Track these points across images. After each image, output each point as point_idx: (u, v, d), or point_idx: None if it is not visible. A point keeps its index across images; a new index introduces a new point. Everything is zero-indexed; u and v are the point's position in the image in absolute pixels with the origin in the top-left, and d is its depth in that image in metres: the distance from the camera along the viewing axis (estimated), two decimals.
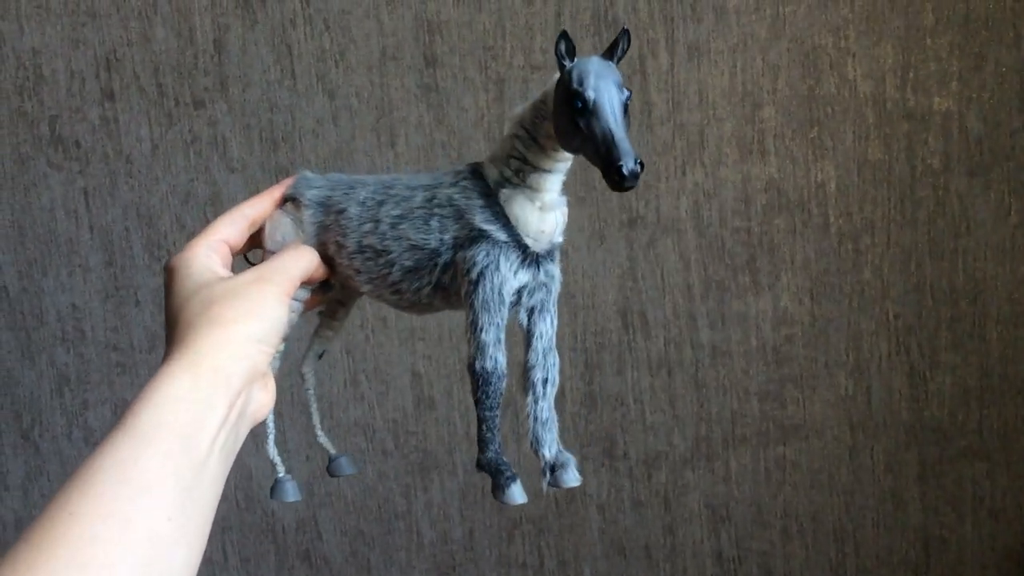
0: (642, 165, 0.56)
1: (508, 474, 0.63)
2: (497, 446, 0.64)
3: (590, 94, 0.57)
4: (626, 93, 0.58)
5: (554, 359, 0.66)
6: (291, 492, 0.78)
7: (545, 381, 0.65)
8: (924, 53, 1.23)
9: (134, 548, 0.49)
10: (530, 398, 0.66)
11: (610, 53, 0.60)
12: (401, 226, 0.66)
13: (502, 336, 0.64)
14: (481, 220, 0.64)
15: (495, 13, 1.30)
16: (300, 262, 0.67)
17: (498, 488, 0.62)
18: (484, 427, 0.64)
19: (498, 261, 0.64)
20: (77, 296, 1.46)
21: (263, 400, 0.62)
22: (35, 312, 1.47)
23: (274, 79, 1.36)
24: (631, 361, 1.37)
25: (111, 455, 0.52)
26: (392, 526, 1.47)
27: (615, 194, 1.31)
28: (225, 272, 0.66)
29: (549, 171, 0.63)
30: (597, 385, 1.38)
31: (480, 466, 0.64)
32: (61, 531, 0.49)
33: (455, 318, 1.38)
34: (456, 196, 0.65)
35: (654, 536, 1.42)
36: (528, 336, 0.66)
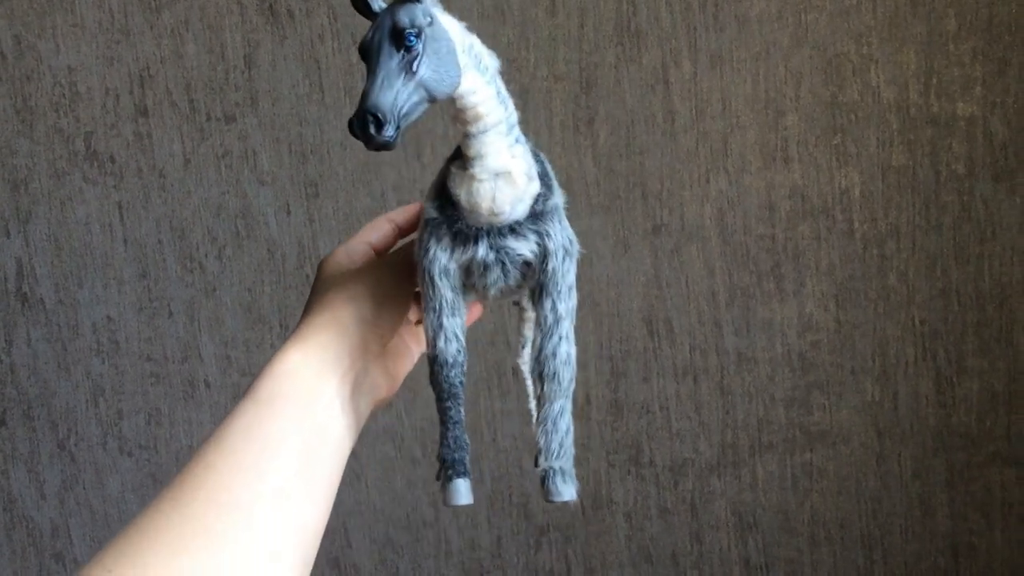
0: (377, 123, 0.50)
1: (452, 471, 0.59)
2: (451, 441, 0.60)
3: (360, 47, 0.53)
4: (403, 30, 0.51)
5: (561, 351, 0.60)
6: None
7: (543, 375, 0.60)
8: (947, 58, 1.24)
9: (266, 495, 0.54)
10: (530, 394, 0.64)
11: None
12: None
13: (445, 320, 0.60)
14: (428, 203, 0.60)
15: (518, 25, 1.32)
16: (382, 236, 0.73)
17: (440, 484, 0.59)
18: (440, 419, 0.61)
19: (427, 240, 0.60)
20: (112, 308, 1.49)
21: (380, 383, 0.65)
22: (71, 324, 1.50)
23: (303, 93, 1.38)
24: (656, 368, 1.38)
25: (239, 419, 0.57)
26: (420, 534, 1.49)
27: (640, 202, 1.32)
28: (356, 269, 0.70)
29: (465, 133, 0.58)
30: (623, 393, 1.39)
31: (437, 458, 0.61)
32: (200, 479, 0.54)
33: (480, 324, 1.39)
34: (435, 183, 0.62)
35: (681, 543, 1.43)
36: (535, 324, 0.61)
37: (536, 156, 0.61)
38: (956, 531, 1.35)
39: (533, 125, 1.33)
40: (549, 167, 0.62)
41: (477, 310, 0.75)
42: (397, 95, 0.51)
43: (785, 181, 1.31)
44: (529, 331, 0.73)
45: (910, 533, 1.36)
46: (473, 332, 1.41)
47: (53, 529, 1.56)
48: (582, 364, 1.37)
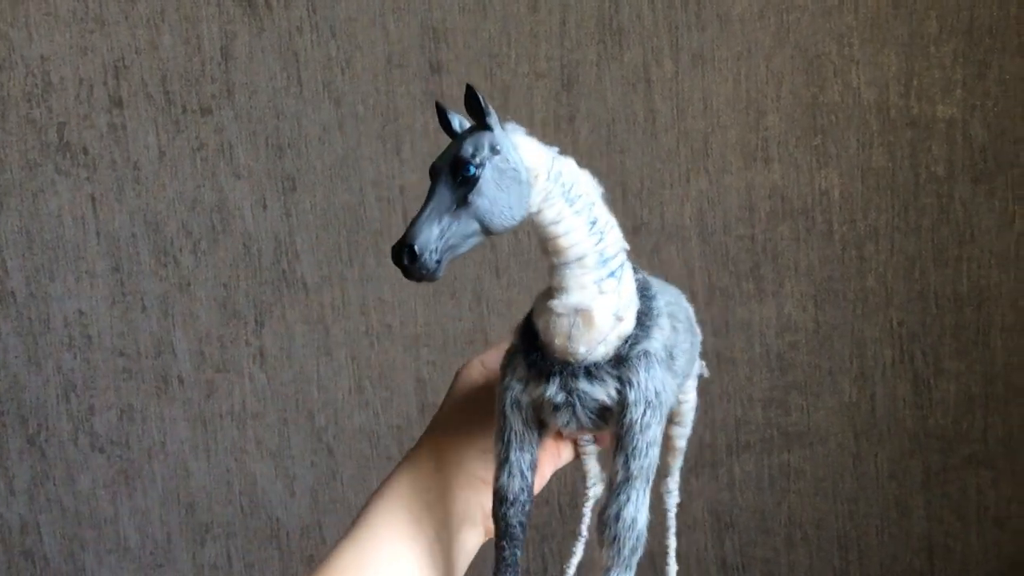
0: (411, 255, 0.49)
1: None
2: None
3: (430, 168, 0.52)
4: (463, 160, 0.51)
5: (626, 514, 0.54)
6: None
7: (603, 538, 0.55)
8: (928, 61, 1.24)
9: None
10: (577, 548, 0.61)
11: (471, 116, 0.54)
12: None
13: (512, 454, 0.57)
14: (519, 328, 0.58)
15: (500, 21, 1.31)
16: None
17: None
18: (494, 557, 0.58)
19: (506, 368, 0.57)
20: (84, 302, 1.46)
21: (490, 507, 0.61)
22: (42, 317, 1.48)
23: (280, 86, 1.36)
24: None
25: (342, 558, 0.59)
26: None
27: (620, 201, 1.31)
28: (485, 382, 0.67)
29: (553, 264, 0.55)
30: None
31: None
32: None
33: (459, 324, 1.38)
34: None
35: (657, 542, 1.42)
36: None
37: (645, 293, 0.57)
38: (932, 532, 1.35)
39: (514, 122, 1.32)
40: (662, 307, 0.57)
41: (567, 453, 0.67)
42: (444, 228, 0.49)
43: (765, 182, 1.30)
44: (592, 465, 0.67)
45: (886, 534, 1.36)
46: (450, 332, 1.41)
47: (22, 526, 1.54)
48: None
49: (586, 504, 0.66)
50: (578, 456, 0.67)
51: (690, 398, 0.68)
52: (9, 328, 1.48)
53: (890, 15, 1.23)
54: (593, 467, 0.66)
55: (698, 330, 0.64)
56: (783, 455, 1.37)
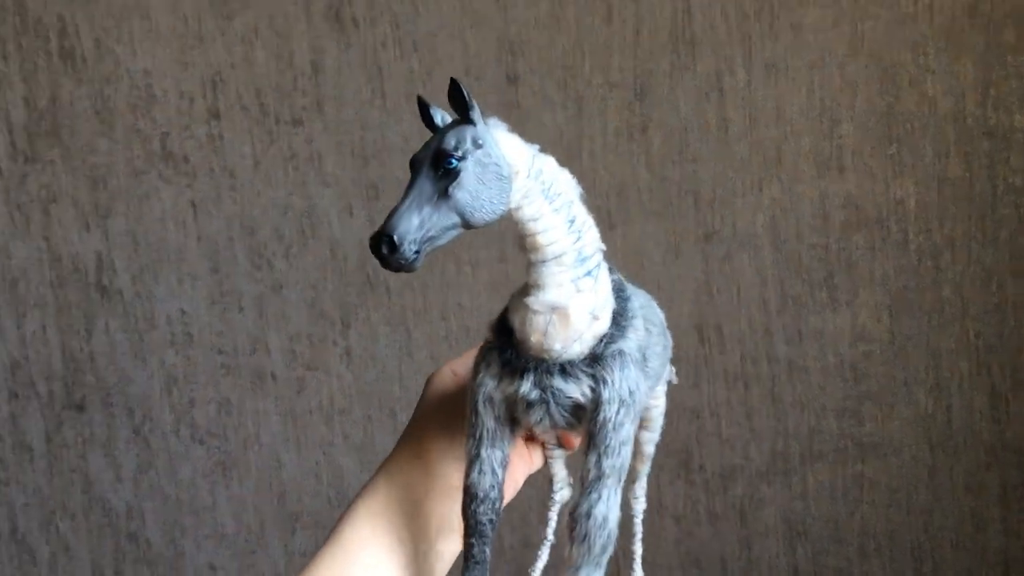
0: (391, 246, 0.49)
1: None
2: None
3: (410, 160, 0.53)
4: (445, 152, 0.51)
5: (597, 512, 0.54)
6: None
7: (573, 535, 0.55)
8: (1005, 70, 1.21)
9: None
10: (544, 544, 0.61)
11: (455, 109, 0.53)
12: None
13: (483, 451, 0.57)
14: (492, 325, 0.58)
15: (574, 33, 1.34)
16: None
17: None
18: (463, 555, 0.58)
19: (479, 364, 0.57)
20: (185, 301, 1.55)
21: None
22: (147, 316, 1.57)
23: (366, 99, 1.42)
24: (707, 375, 1.38)
25: (321, 567, 0.60)
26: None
27: (692, 209, 1.33)
28: (457, 390, 0.67)
29: (530, 261, 0.55)
30: (672, 397, 1.40)
31: None
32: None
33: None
34: None
35: (730, 549, 1.43)
36: None
37: (620, 294, 0.57)
38: (1008, 547, 1.33)
39: (587, 132, 1.35)
40: (637, 309, 0.58)
41: (539, 458, 0.67)
42: (424, 219, 0.49)
43: (839, 190, 1.30)
44: (559, 469, 0.66)
45: (961, 548, 1.35)
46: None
47: (128, 510, 1.64)
48: None
49: (552, 508, 0.65)
50: (545, 460, 0.67)
51: (660, 403, 0.69)
52: (117, 325, 1.58)
53: (966, 24, 1.22)
54: (560, 471, 0.65)
55: (669, 335, 0.64)
56: (857, 465, 1.36)
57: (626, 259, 1.35)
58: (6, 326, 1.60)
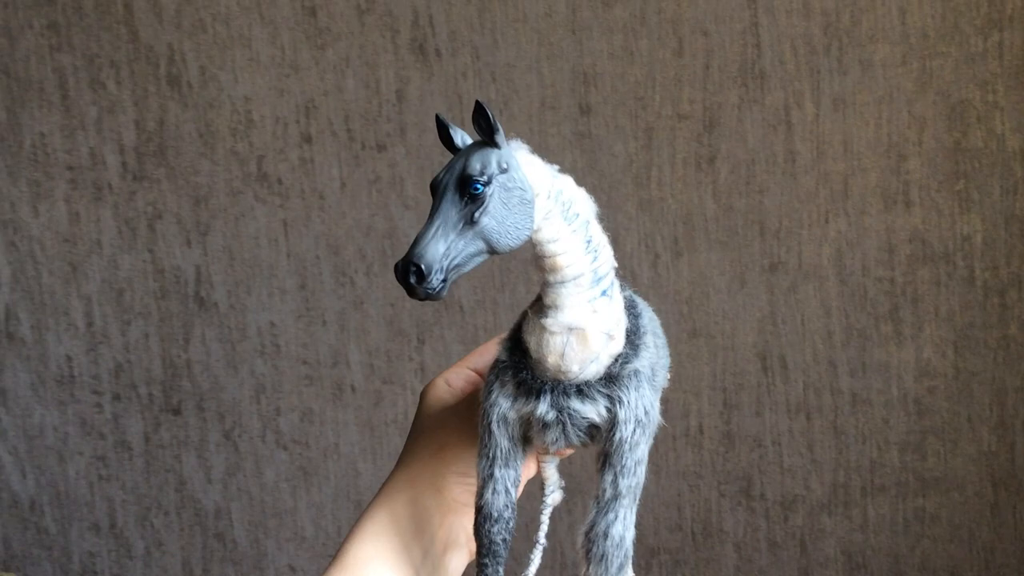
0: (419, 275, 0.48)
1: None
2: None
3: (431, 183, 0.52)
4: (471, 177, 0.50)
5: (614, 532, 0.54)
6: None
7: (589, 555, 0.55)
8: None
9: None
10: (533, 559, 0.60)
11: (479, 132, 0.52)
12: None
13: (497, 471, 0.56)
14: (502, 343, 0.57)
15: (646, 65, 1.38)
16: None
17: None
18: (477, 574, 0.57)
19: (492, 384, 0.56)
20: (275, 315, 1.64)
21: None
22: (240, 327, 1.66)
23: None
24: (769, 403, 1.40)
25: None
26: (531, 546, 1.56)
27: (758, 240, 1.35)
28: (455, 401, 0.66)
29: (547, 282, 0.54)
30: (735, 424, 1.42)
31: None
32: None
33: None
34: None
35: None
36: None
37: (632, 311, 0.56)
38: None
39: (656, 162, 1.39)
40: (647, 324, 0.57)
41: (532, 465, 0.66)
42: (450, 246, 0.49)
43: (906, 225, 1.31)
44: (551, 472, 0.63)
45: None
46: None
47: (216, 511, 1.73)
48: (695, 392, 1.41)
49: (544, 512, 0.63)
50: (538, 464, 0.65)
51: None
52: (212, 335, 1.68)
53: None
54: (552, 475, 0.63)
55: (666, 344, 0.63)
56: (918, 500, 1.36)
57: (692, 287, 1.38)
58: (112, 332, 1.71)
